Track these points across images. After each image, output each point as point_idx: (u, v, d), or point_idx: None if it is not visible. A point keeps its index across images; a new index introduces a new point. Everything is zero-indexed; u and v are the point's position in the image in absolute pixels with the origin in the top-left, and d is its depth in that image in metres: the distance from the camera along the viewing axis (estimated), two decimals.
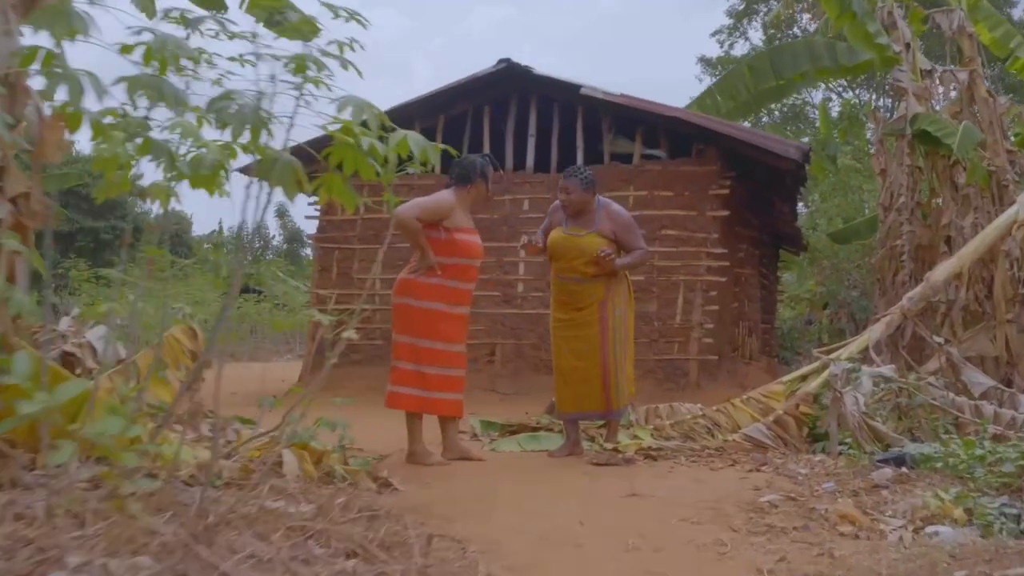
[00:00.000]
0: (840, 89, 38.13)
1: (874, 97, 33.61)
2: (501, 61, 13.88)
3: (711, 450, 7.65)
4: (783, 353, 22.67)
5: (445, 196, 7.03)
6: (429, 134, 13.99)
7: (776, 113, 37.14)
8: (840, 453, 7.09)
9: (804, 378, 8.71)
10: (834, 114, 28.92)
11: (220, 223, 50.83)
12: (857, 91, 37.05)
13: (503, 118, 14.40)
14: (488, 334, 13.95)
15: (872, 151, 24.17)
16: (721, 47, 39.91)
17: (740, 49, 38.85)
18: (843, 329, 22.04)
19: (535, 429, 8.91)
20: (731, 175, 13.40)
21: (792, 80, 13.89)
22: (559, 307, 7.52)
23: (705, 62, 39.93)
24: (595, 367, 7.43)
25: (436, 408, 7.00)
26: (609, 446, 7.54)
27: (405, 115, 14.05)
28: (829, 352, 9.15)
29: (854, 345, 9.38)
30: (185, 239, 42.19)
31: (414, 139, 3.92)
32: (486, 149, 14.29)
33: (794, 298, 25.43)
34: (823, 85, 36.93)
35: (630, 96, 13.52)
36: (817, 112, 31.77)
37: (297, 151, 3.36)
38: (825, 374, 8.13)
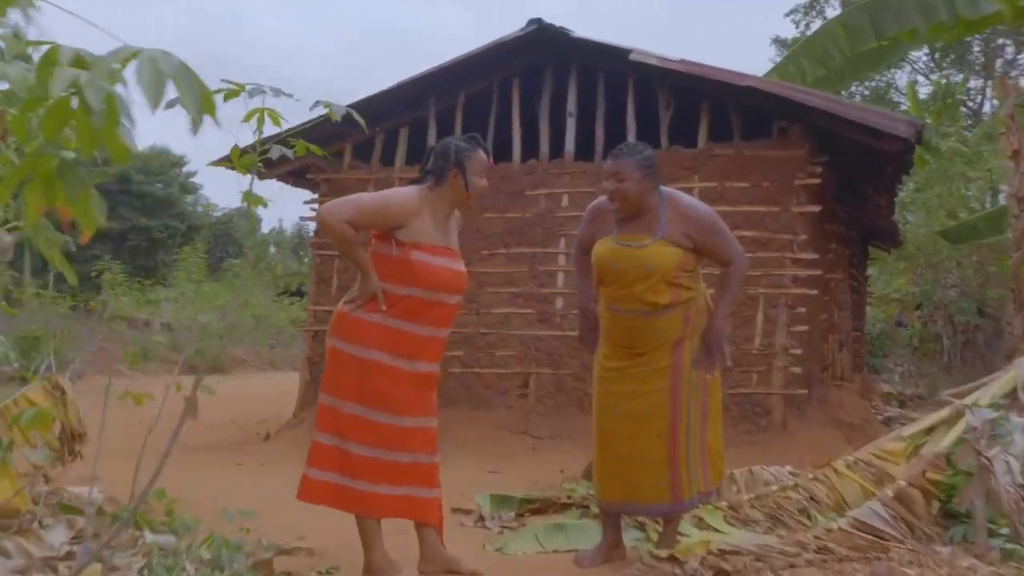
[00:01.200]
0: (925, 71, 35.21)
1: (965, 78, 30.42)
2: (531, 22, 11.24)
3: (811, 550, 5.20)
4: (872, 360, 20.32)
5: (403, 195, 4.74)
6: (446, 117, 11.72)
7: (857, 96, 34.11)
8: (992, 548, 5.21)
9: (930, 430, 6.57)
10: (922, 96, 25.99)
11: (280, 223, 49.44)
12: (946, 71, 33.98)
13: (536, 94, 11.85)
14: (520, 361, 11.39)
15: (977, 132, 22.00)
16: (797, 27, 36.99)
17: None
18: (939, 334, 19.80)
19: (565, 506, 6.61)
20: (822, 160, 10.66)
21: (898, 40, 11.01)
22: (612, 351, 5.20)
23: (780, 43, 37.12)
24: (660, 439, 5.11)
25: (369, 507, 4.70)
26: (664, 553, 5.08)
27: (414, 94, 11.81)
28: (962, 395, 6.93)
29: (996, 385, 6.98)
30: (236, 238, 40.87)
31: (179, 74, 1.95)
32: (515, 131, 11.75)
33: (882, 298, 22.65)
34: (907, 66, 34.24)
35: (692, 62, 10.78)
36: (904, 96, 29.03)
37: None
38: (960, 427, 6.19)
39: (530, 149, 11.62)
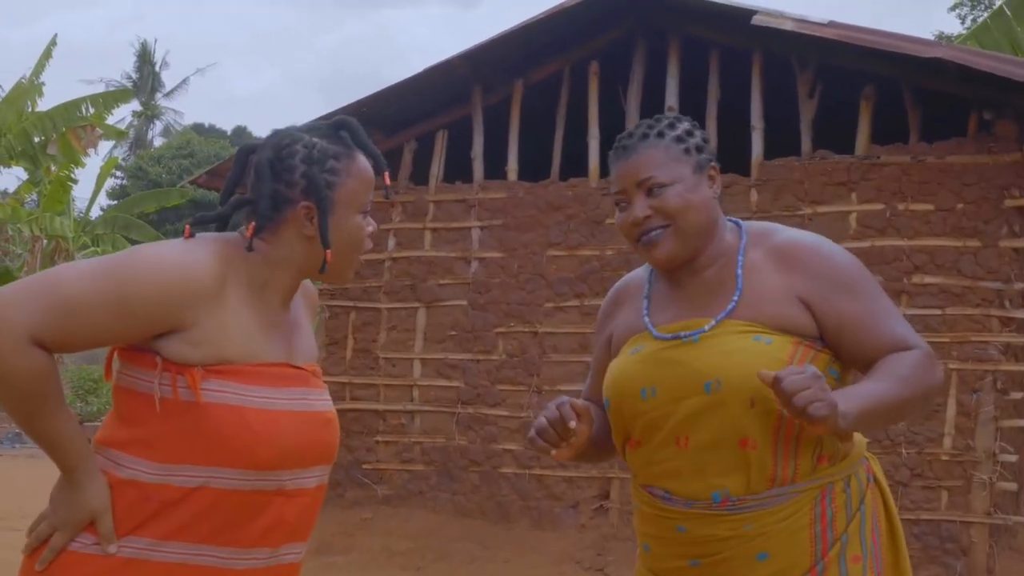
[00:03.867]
0: None
1: None
2: None
3: None
4: None
5: (178, 259, 2.20)
6: (497, 115, 9.35)
7: None
8: None
9: None
10: None
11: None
12: None
13: (623, 79, 9.21)
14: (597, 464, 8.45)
15: None
16: (963, 23, 33.83)
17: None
18: None
19: None
20: None
21: None
22: (659, 572, 2.72)
23: (945, 40, 34.06)
24: None
25: None
26: None
27: (452, 84, 9.31)
28: None
29: None
30: None
31: None
32: (591, 134, 9.09)
33: None
34: None
35: (848, 26, 8.01)
36: None
37: None
38: None
39: None
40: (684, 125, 2.65)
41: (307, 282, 2.49)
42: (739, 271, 2.63)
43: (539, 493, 8.73)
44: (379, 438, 9.10)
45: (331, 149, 2.28)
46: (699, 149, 2.63)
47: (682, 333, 2.59)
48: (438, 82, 9.17)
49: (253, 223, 2.26)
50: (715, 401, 2.51)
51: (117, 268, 2.17)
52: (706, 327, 2.57)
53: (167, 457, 2.19)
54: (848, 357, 2.59)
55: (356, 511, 8.99)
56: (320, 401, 2.37)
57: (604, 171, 8.85)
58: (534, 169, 9.17)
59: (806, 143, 8.49)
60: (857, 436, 2.72)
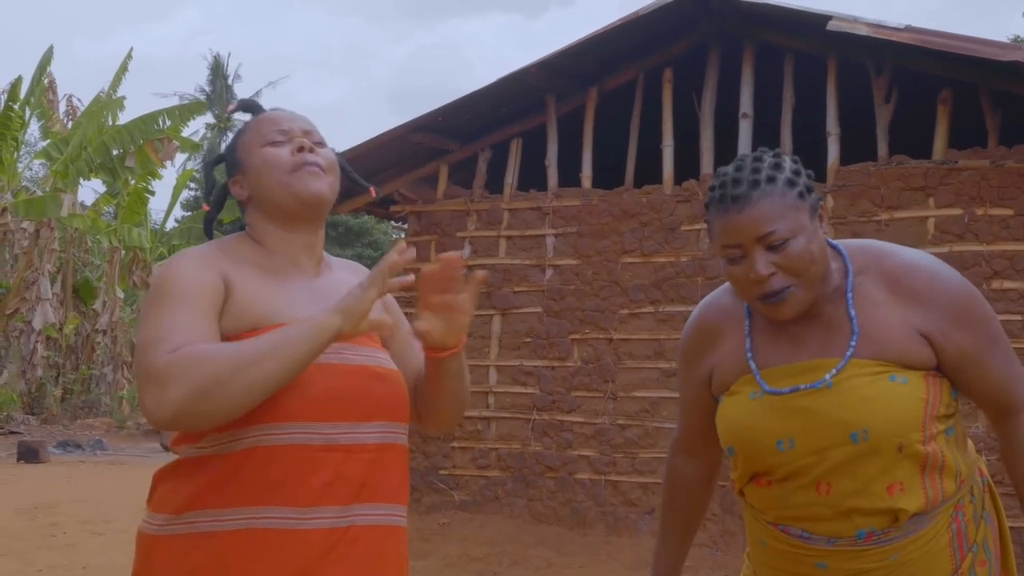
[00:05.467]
0: None
1: None
2: None
3: None
4: None
5: (185, 261, 2.32)
6: (572, 123, 9.25)
7: None
8: None
9: None
10: None
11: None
12: None
13: (697, 86, 9.04)
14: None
15: None
16: None
17: None
18: None
19: None
20: None
21: None
22: None
23: (1023, 43, 32.92)
24: None
25: None
26: None
27: (526, 92, 9.21)
28: None
29: None
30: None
31: None
32: (666, 141, 8.92)
33: None
34: None
35: (924, 30, 7.74)
36: None
37: None
38: None
39: (687, 166, 8.94)
40: (789, 164, 2.41)
41: (359, 268, 2.51)
42: (852, 310, 2.43)
43: (615, 499, 8.60)
44: (455, 444, 9.05)
45: (239, 131, 2.53)
46: (809, 190, 2.39)
47: (804, 385, 2.39)
48: (512, 91, 9.07)
49: (205, 205, 2.60)
50: (864, 451, 2.36)
51: (156, 292, 2.25)
52: (835, 370, 2.37)
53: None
54: (963, 388, 2.44)
55: (433, 516, 8.94)
56: (362, 356, 2.32)
57: (678, 178, 8.80)
58: (608, 176, 9.06)
59: (882, 148, 8.27)
60: (969, 444, 2.62)
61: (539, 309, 8.90)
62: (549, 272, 8.93)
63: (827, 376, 2.31)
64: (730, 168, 2.36)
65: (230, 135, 52.24)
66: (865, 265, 2.42)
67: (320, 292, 2.35)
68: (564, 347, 8.78)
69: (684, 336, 2.63)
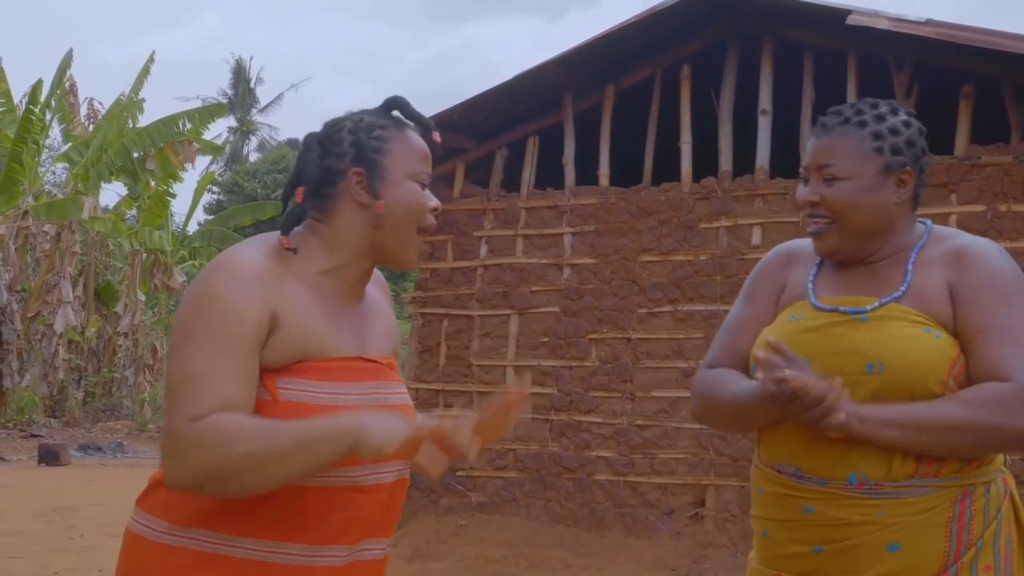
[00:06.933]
0: None
1: None
2: None
3: None
4: None
5: (232, 283, 2.16)
6: (588, 121, 9.24)
7: None
8: None
9: None
10: None
11: None
12: None
13: (715, 83, 8.97)
14: (693, 468, 8.47)
15: None
16: None
17: None
18: None
19: None
20: None
21: None
22: (774, 560, 2.56)
23: None
24: None
25: None
26: None
27: (542, 90, 9.19)
28: None
29: None
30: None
31: None
32: (684, 138, 8.91)
33: None
34: None
35: (945, 24, 7.72)
36: None
37: None
38: None
39: (706, 163, 8.86)
40: (892, 121, 2.52)
41: (376, 271, 2.42)
42: (910, 265, 2.52)
43: (633, 500, 8.55)
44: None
45: (379, 121, 2.26)
46: (895, 151, 2.48)
47: (846, 308, 2.48)
48: (529, 88, 9.04)
49: (301, 187, 2.22)
50: (876, 387, 2.40)
51: (200, 318, 2.12)
52: (873, 306, 2.46)
53: None
54: (967, 356, 2.42)
55: (451, 518, 8.89)
56: (394, 394, 2.30)
57: (697, 175, 8.74)
58: (626, 174, 8.99)
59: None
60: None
61: (556, 309, 8.84)
62: (566, 271, 8.87)
63: (867, 307, 2.42)
64: (848, 103, 2.54)
65: (253, 139, 52.60)
66: (939, 240, 2.53)
67: (363, 318, 2.30)
68: (582, 347, 8.72)
69: (763, 262, 2.76)
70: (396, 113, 2.31)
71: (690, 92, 8.99)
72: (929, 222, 2.62)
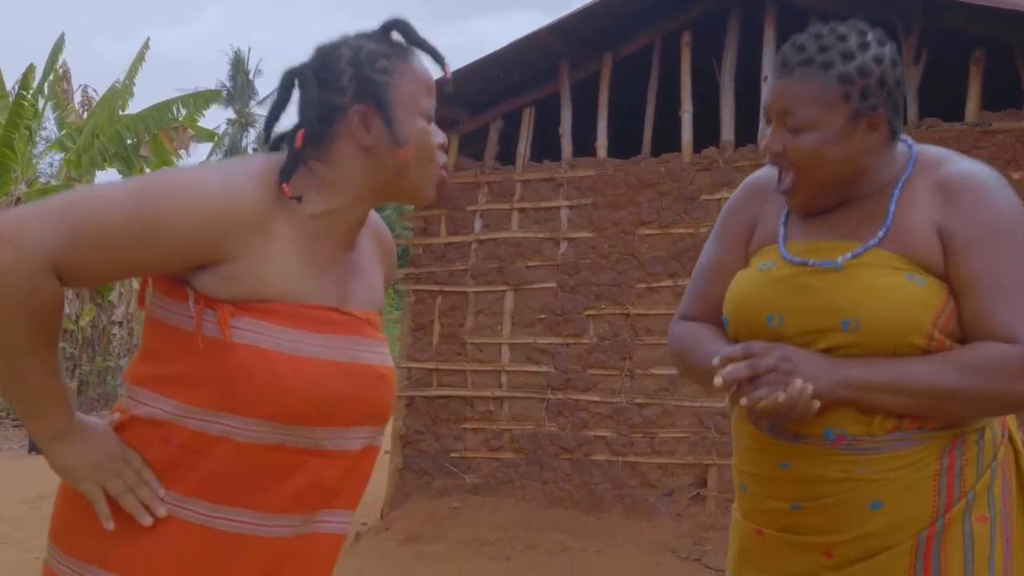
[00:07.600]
0: None
1: None
2: None
3: None
4: None
5: (220, 182, 1.94)
6: (586, 90, 9.08)
7: None
8: None
9: None
10: None
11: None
12: None
13: (716, 50, 8.82)
14: (693, 447, 8.36)
15: None
16: None
17: None
18: None
19: None
20: None
21: None
22: (754, 518, 2.45)
23: None
24: None
25: None
26: None
27: (537, 59, 9.01)
28: None
29: None
30: None
31: None
32: (684, 108, 8.74)
33: None
34: None
35: None
36: None
37: None
38: None
39: (707, 133, 8.71)
40: (860, 59, 2.27)
41: (380, 223, 2.24)
42: (893, 205, 2.33)
43: (633, 481, 8.43)
44: (467, 425, 8.83)
45: (381, 49, 2.03)
46: (865, 95, 2.26)
47: (815, 260, 2.31)
48: (524, 57, 8.87)
49: (301, 130, 1.99)
50: (853, 343, 2.24)
51: (151, 193, 1.92)
52: (851, 253, 2.28)
53: (185, 397, 1.94)
54: (960, 307, 2.25)
55: (444, 500, 8.74)
56: (371, 353, 2.11)
57: (697, 146, 8.60)
58: (624, 145, 8.80)
59: (912, 111, 8.05)
60: None
61: (553, 284, 8.67)
62: (563, 245, 8.69)
63: (840, 258, 2.24)
64: (809, 33, 2.29)
65: (251, 131, 52.55)
66: (925, 168, 2.34)
67: (350, 269, 2.12)
68: (579, 323, 8.54)
69: (733, 197, 2.61)
70: (397, 37, 2.09)
71: (691, 60, 8.85)
72: (914, 145, 2.41)
